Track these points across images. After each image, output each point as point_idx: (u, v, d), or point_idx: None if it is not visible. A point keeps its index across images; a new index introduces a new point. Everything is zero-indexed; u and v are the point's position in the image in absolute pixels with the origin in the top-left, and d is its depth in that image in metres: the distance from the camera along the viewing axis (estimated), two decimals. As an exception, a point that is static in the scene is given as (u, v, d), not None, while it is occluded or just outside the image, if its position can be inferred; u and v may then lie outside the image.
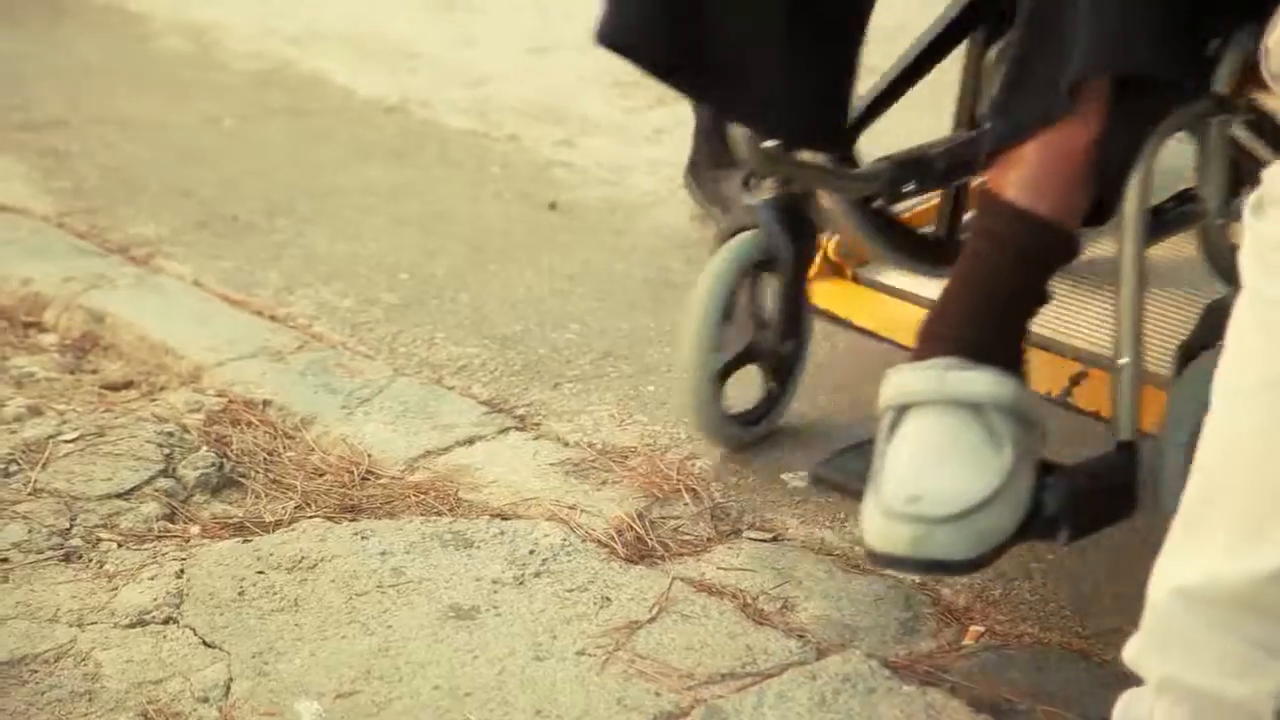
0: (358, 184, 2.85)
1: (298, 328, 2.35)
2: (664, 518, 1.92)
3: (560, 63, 3.46)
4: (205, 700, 1.62)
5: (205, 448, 2.05)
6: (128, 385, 2.22)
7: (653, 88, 3.35)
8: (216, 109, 3.19)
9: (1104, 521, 1.72)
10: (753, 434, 2.09)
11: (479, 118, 3.17)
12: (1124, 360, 1.72)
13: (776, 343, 2.08)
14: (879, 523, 1.61)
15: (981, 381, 1.66)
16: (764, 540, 1.89)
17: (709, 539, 1.89)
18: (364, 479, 2.00)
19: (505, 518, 1.91)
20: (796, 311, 2.09)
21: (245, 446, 2.06)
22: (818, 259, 2.41)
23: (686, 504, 1.95)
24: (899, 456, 1.65)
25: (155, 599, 1.77)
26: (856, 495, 1.69)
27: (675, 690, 1.63)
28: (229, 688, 1.63)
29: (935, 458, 1.63)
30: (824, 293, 2.40)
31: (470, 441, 2.07)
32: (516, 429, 2.10)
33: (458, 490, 1.97)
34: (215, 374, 2.21)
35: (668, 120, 3.14)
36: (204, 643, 1.70)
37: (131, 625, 1.73)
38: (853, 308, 2.36)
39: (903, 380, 1.69)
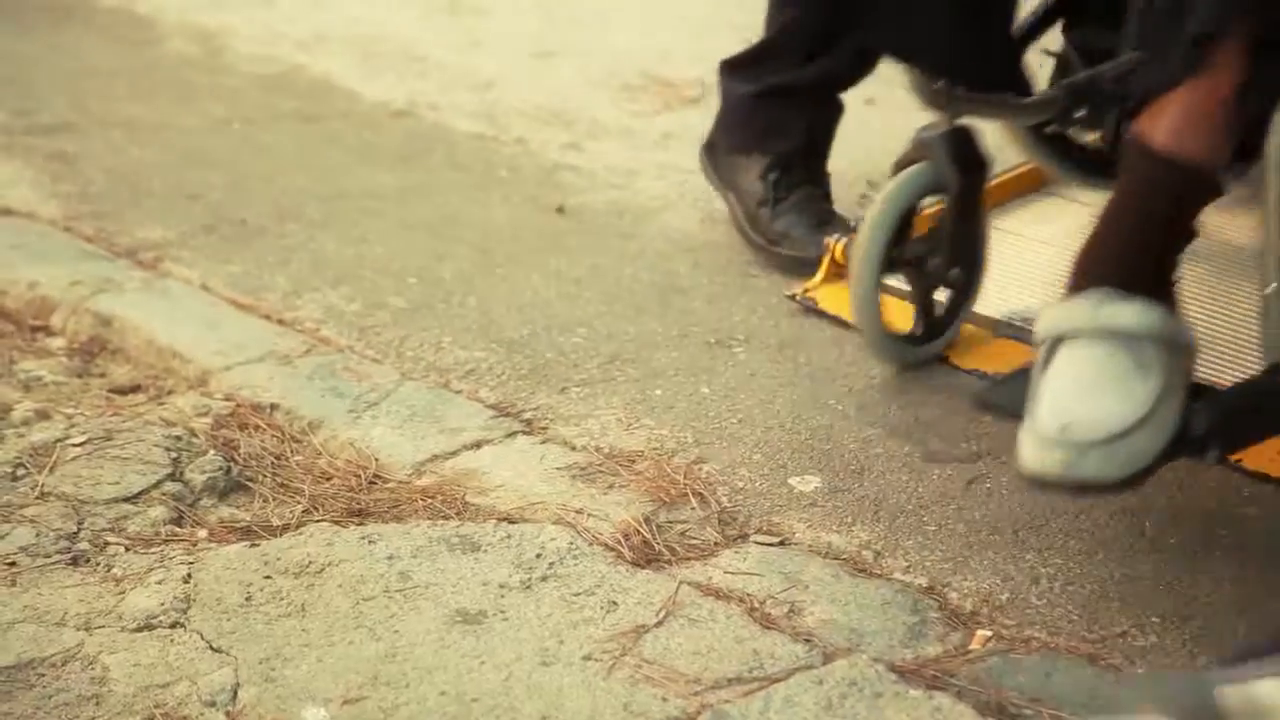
0: (365, 188, 2.85)
1: (305, 331, 2.35)
2: (671, 522, 1.92)
3: (567, 67, 3.46)
4: (212, 704, 1.62)
5: (213, 451, 2.05)
6: (135, 389, 2.23)
7: (660, 92, 3.36)
8: (224, 113, 3.19)
9: (1253, 440, 1.85)
10: (921, 354, 2.25)
11: (486, 121, 3.17)
12: (1273, 286, 1.81)
13: (944, 269, 2.21)
14: (1034, 447, 1.73)
15: (1131, 313, 1.76)
16: (771, 544, 1.89)
17: (716, 543, 1.89)
18: (371, 483, 2.00)
19: (512, 521, 1.91)
20: (965, 240, 2.21)
21: (252, 450, 2.06)
22: (825, 263, 2.42)
23: (693, 508, 1.95)
24: (1052, 386, 1.77)
25: (162, 603, 1.77)
26: (1019, 419, 1.79)
27: (682, 695, 1.63)
28: (236, 693, 1.63)
29: (1086, 387, 1.75)
30: (831, 297, 2.40)
31: (477, 445, 2.07)
32: (524, 433, 2.10)
33: (465, 494, 1.97)
34: (223, 378, 2.21)
35: (675, 125, 3.14)
36: (211, 647, 1.70)
37: (139, 629, 1.73)
38: None
39: (1057, 314, 1.80)
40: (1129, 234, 1.80)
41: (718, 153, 2.75)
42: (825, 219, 2.58)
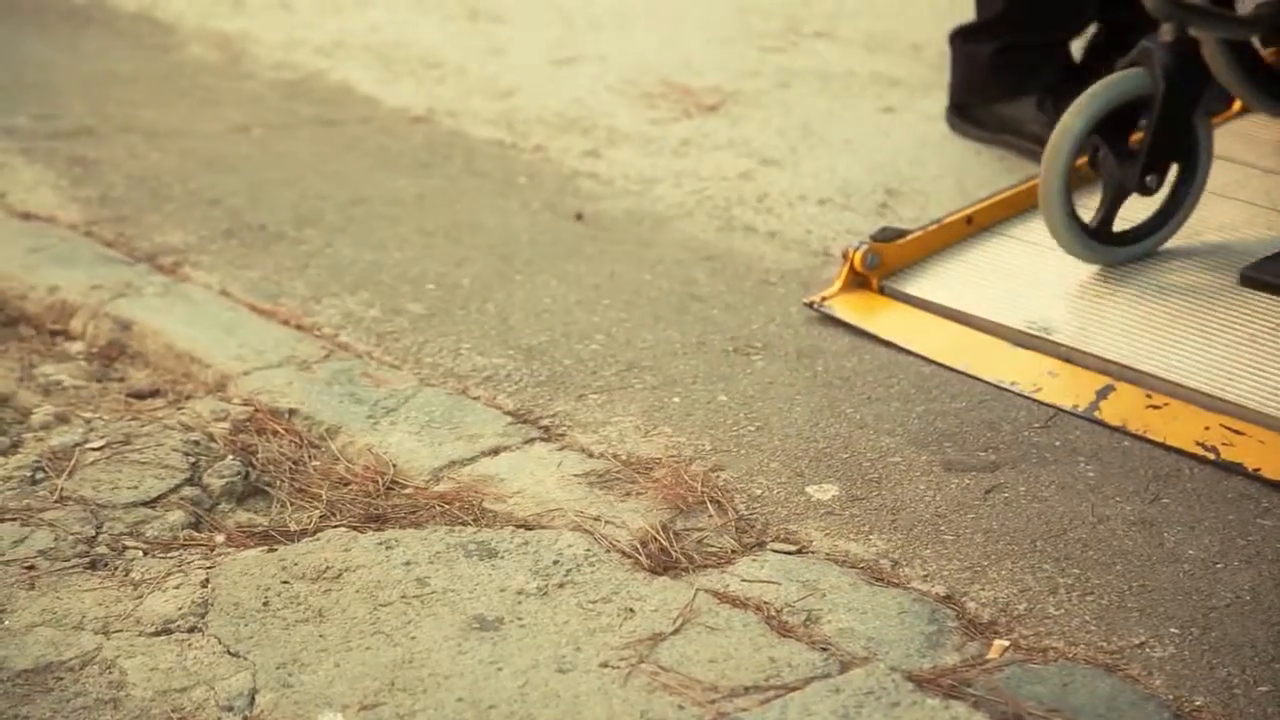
0: (384, 194, 2.86)
1: (324, 337, 2.35)
2: (688, 529, 1.92)
3: (586, 74, 3.47)
4: (230, 709, 1.62)
5: (231, 456, 2.06)
6: (154, 393, 2.23)
7: (679, 100, 3.36)
8: (244, 118, 3.20)
9: None
10: (1123, 255, 2.36)
11: (505, 128, 3.17)
12: None
13: (1139, 175, 2.31)
14: None
15: None
16: (788, 552, 1.88)
17: (733, 551, 1.89)
18: (389, 489, 2.00)
19: (529, 528, 1.91)
20: (1166, 149, 2.32)
21: (271, 455, 2.07)
22: (844, 272, 2.42)
23: (711, 515, 1.95)
24: None
25: (180, 607, 1.77)
26: None
27: (699, 703, 1.63)
28: (253, 698, 1.63)
29: None
30: (848, 305, 2.40)
31: (495, 452, 2.07)
32: (541, 440, 2.11)
33: (482, 500, 1.97)
34: (241, 383, 2.22)
35: (694, 132, 3.14)
36: (229, 652, 1.70)
37: (157, 633, 1.73)
38: (878, 320, 2.36)
39: None
40: None
41: (975, 110, 3.01)
42: None
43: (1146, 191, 2.34)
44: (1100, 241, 2.35)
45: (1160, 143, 2.30)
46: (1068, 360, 2.23)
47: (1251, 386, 2.11)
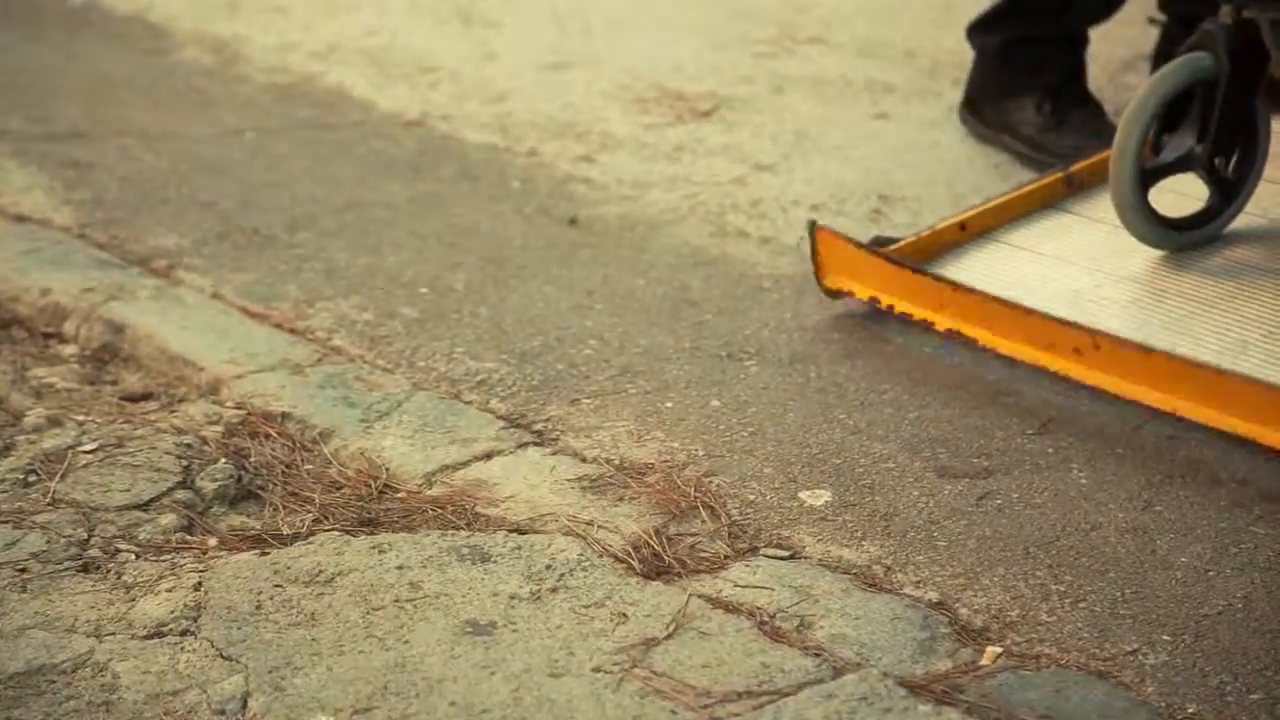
0: (378, 198, 2.86)
1: (317, 341, 2.35)
2: (681, 534, 1.92)
3: (580, 79, 3.47)
4: (222, 713, 1.62)
5: (224, 460, 2.05)
6: (147, 396, 2.23)
7: (673, 105, 3.36)
8: (237, 122, 3.20)
9: None
10: (1184, 240, 2.36)
11: (499, 133, 3.18)
12: None
13: (1206, 156, 2.32)
14: None
15: None
16: (781, 558, 1.88)
17: (726, 556, 1.89)
18: (382, 492, 2.00)
19: (522, 532, 1.91)
20: (1232, 131, 2.33)
21: (264, 459, 2.06)
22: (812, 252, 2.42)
23: (704, 521, 1.95)
24: None
25: (173, 611, 1.77)
26: None
27: (692, 708, 1.63)
28: (246, 702, 1.63)
29: None
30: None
31: (488, 456, 2.07)
32: (534, 444, 2.11)
33: (475, 505, 1.97)
34: (234, 386, 2.21)
35: (687, 137, 3.15)
36: (221, 655, 1.70)
37: (149, 636, 1.73)
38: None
39: None
40: None
41: (980, 105, 3.01)
42: (1109, 133, 2.71)
43: (1215, 175, 2.35)
44: (1167, 228, 2.36)
45: (1228, 125, 2.32)
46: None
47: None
